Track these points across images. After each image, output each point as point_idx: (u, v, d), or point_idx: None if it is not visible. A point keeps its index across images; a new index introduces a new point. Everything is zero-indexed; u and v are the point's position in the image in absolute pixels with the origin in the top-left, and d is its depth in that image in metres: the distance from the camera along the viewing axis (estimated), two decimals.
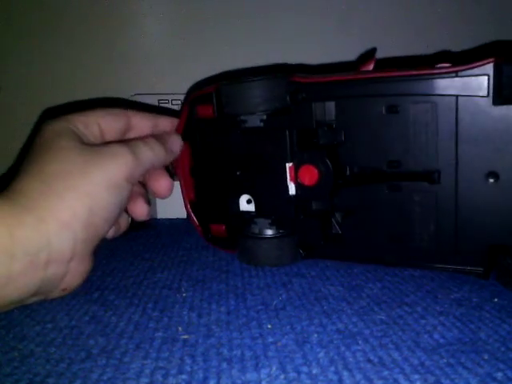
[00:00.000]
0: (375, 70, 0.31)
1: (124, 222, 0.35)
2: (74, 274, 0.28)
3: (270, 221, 0.35)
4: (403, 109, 0.30)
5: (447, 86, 0.29)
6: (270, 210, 0.35)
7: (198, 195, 0.39)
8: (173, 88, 0.59)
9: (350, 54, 0.58)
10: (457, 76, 0.28)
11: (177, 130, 0.37)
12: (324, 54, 0.60)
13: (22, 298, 0.26)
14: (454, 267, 0.31)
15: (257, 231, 0.35)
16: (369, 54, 0.33)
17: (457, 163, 0.29)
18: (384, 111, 0.31)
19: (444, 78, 0.29)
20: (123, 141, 0.32)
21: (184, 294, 0.30)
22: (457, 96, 0.28)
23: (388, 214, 0.32)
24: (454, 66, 0.28)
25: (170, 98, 0.58)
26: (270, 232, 0.35)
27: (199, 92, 0.36)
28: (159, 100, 0.58)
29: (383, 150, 0.31)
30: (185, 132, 0.37)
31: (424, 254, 0.31)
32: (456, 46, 0.55)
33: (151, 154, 0.32)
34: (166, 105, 0.58)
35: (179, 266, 0.36)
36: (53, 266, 0.26)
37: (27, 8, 0.58)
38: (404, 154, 0.31)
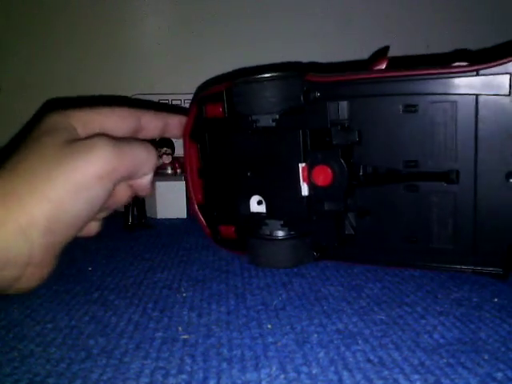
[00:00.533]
0: (388, 68, 0.31)
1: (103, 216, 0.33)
2: (30, 277, 0.27)
3: (281, 222, 0.34)
4: (421, 108, 0.30)
5: (467, 84, 0.28)
6: (281, 211, 0.34)
7: (207, 196, 0.38)
8: (173, 88, 0.59)
9: (350, 54, 0.58)
10: (477, 75, 0.28)
11: (184, 130, 0.37)
12: (324, 54, 0.60)
13: None
14: (473, 268, 0.30)
15: (268, 233, 0.34)
16: (381, 53, 0.32)
17: (476, 163, 0.29)
18: (401, 110, 0.30)
19: (464, 76, 0.28)
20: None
21: (184, 294, 0.30)
22: (477, 95, 0.28)
23: (404, 214, 0.31)
24: (474, 64, 0.28)
25: (169, 98, 0.59)
26: (281, 233, 0.34)
27: (209, 91, 0.36)
28: (159, 100, 0.59)
29: (400, 149, 0.31)
30: (193, 132, 0.37)
31: (442, 255, 0.31)
32: (456, 47, 0.56)
33: (141, 152, 0.30)
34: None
35: (179, 265, 0.36)
36: (9, 268, 0.26)
37: (27, 8, 0.58)
38: (421, 154, 0.30)
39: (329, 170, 0.32)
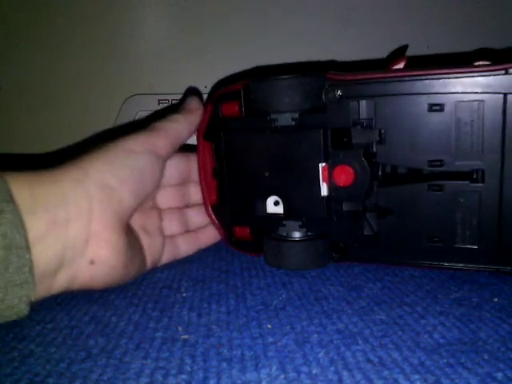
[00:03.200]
0: (408, 68, 0.31)
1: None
2: (98, 240, 0.27)
3: (300, 223, 0.34)
4: (448, 107, 0.29)
5: (496, 83, 0.28)
6: (300, 212, 0.34)
7: (221, 197, 0.37)
8: (173, 88, 0.59)
9: (350, 54, 0.58)
10: (506, 73, 0.28)
11: (198, 130, 0.36)
12: (324, 53, 0.60)
13: (50, 266, 0.25)
14: (498, 268, 0.30)
15: (286, 234, 0.34)
16: (400, 51, 0.32)
17: (503, 163, 0.28)
18: (426, 109, 0.29)
19: (492, 75, 0.28)
20: None
21: (184, 294, 0.30)
22: (505, 94, 0.28)
23: (427, 214, 0.31)
24: (504, 63, 0.28)
25: (169, 98, 0.59)
26: (300, 234, 0.34)
27: (226, 89, 0.35)
28: (159, 100, 0.59)
29: (424, 148, 0.30)
30: (207, 132, 0.36)
31: (466, 254, 0.31)
32: (457, 47, 0.55)
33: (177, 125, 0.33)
34: (165, 105, 0.59)
35: (179, 266, 0.36)
36: (73, 225, 0.26)
37: (27, 8, 0.58)
38: (446, 153, 0.30)
39: (351, 170, 0.31)
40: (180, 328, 0.25)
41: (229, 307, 0.28)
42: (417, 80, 0.30)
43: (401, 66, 0.31)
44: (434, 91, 0.29)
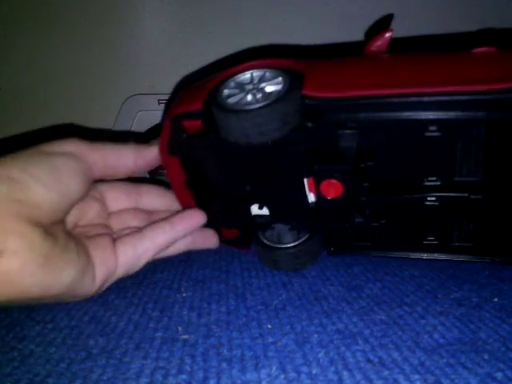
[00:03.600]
0: (392, 50, 0.28)
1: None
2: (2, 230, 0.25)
3: (289, 226, 0.33)
4: (445, 129, 0.26)
5: (495, 102, 0.25)
6: (287, 218, 0.33)
7: (200, 205, 0.35)
8: (173, 88, 0.59)
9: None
10: (506, 92, 0.24)
11: (161, 147, 0.32)
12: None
13: None
14: (493, 258, 0.31)
15: (277, 239, 0.34)
16: (383, 23, 0.27)
17: (504, 175, 0.27)
18: (421, 133, 0.27)
19: (492, 94, 0.24)
20: None
21: (184, 294, 0.30)
22: (506, 113, 0.25)
23: (423, 220, 0.30)
24: (505, 81, 0.24)
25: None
26: (291, 238, 0.33)
27: (182, 108, 0.30)
28: (159, 100, 0.59)
29: (420, 167, 0.28)
30: (171, 148, 0.32)
31: (461, 250, 0.31)
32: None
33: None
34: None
35: (179, 265, 0.36)
36: None
37: (27, 8, 0.58)
38: (445, 172, 0.28)
39: (339, 184, 0.29)
40: (180, 328, 0.25)
41: (229, 307, 0.28)
42: (409, 102, 0.26)
43: (382, 47, 0.28)
44: (429, 118, 0.26)
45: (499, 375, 0.20)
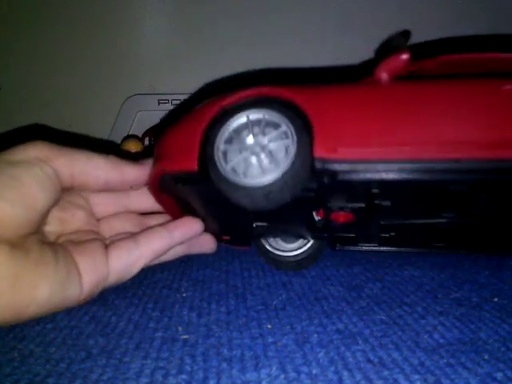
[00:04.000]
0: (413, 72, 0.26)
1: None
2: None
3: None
4: (474, 186, 0.25)
5: None
6: (292, 233, 0.33)
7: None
8: (173, 88, 0.59)
9: (350, 57, 0.58)
10: None
11: (151, 186, 0.31)
12: (324, 56, 0.60)
13: None
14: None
15: (280, 247, 0.34)
16: (398, 42, 0.24)
17: None
18: (448, 187, 0.25)
19: None
20: None
21: (184, 294, 0.30)
22: None
23: (430, 231, 0.29)
24: None
25: (169, 98, 0.59)
26: (295, 245, 0.33)
27: (174, 166, 0.27)
28: (159, 100, 0.59)
29: (437, 208, 0.27)
30: (162, 190, 0.30)
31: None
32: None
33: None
34: (165, 105, 0.59)
35: (179, 266, 0.36)
36: None
37: (27, 8, 0.58)
38: (463, 210, 0.27)
39: (350, 215, 0.27)
40: (180, 328, 0.25)
41: (229, 307, 0.28)
42: (436, 169, 0.23)
43: (397, 65, 0.24)
44: (459, 177, 0.23)
45: (499, 375, 0.20)
